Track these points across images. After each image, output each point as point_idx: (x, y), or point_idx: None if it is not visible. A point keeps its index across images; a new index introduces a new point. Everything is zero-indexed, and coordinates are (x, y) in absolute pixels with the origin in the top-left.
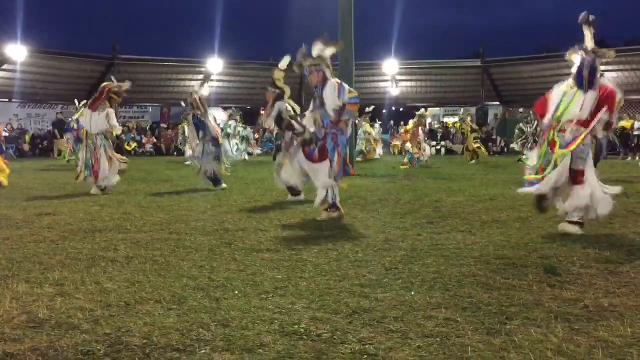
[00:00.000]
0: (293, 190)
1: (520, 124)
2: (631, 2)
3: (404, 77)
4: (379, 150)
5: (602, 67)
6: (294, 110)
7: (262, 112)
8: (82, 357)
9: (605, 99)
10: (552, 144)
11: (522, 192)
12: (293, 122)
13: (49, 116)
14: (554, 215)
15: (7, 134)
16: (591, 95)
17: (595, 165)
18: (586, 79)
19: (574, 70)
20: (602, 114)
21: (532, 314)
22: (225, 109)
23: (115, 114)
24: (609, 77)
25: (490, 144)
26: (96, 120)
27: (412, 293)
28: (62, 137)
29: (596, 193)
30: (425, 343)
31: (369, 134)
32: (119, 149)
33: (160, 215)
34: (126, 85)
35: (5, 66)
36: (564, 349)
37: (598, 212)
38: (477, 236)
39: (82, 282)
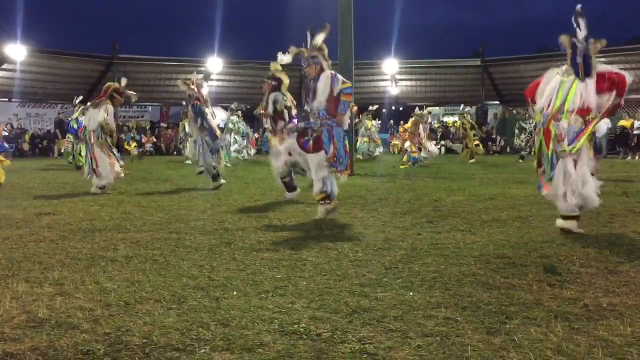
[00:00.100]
0: (288, 186)
1: (520, 122)
2: (631, 2)
3: (403, 77)
4: (379, 149)
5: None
6: (291, 102)
7: (261, 111)
8: (82, 356)
9: (614, 84)
10: (546, 134)
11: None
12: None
13: (49, 116)
14: (554, 215)
15: (6, 134)
16: (589, 83)
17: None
18: (582, 67)
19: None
20: (612, 99)
21: (532, 313)
22: (225, 108)
23: (115, 114)
24: None
25: (490, 143)
26: (94, 116)
27: (412, 292)
28: (64, 137)
29: (588, 183)
30: (425, 342)
31: (370, 130)
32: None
33: (160, 214)
34: (134, 97)
35: (5, 66)
36: (563, 348)
37: (586, 202)
38: (477, 235)
39: (81, 281)
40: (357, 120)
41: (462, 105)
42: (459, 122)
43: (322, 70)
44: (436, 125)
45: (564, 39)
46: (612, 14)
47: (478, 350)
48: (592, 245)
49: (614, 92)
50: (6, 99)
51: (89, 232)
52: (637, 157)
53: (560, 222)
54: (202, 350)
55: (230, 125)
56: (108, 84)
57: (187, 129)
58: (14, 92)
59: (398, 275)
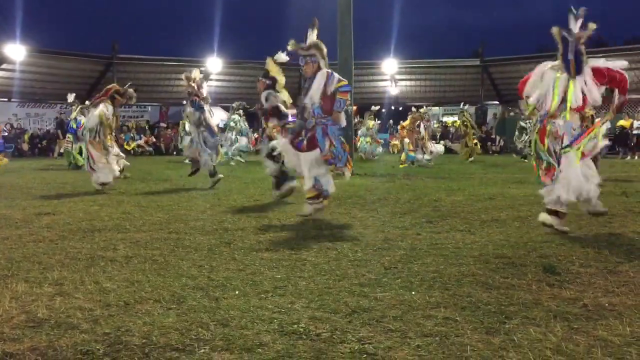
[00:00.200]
0: (278, 181)
1: (520, 122)
2: (631, 2)
3: (403, 77)
4: (379, 149)
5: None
6: (287, 100)
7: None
8: (81, 356)
9: (614, 81)
10: (542, 132)
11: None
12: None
13: (48, 116)
14: None
15: (6, 134)
16: (588, 79)
17: (595, 165)
18: (573, 64)
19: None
20: (617, 98)
21: (532, 313)
22: (225, 108)
23: (115, 114)
24: None
25: (489, 143)
26: (93, 115)
27: (412, 292)
28: (65, 137)
29: (582, 178)
30: (425, 342)
31: (371, 129)
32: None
33: (160, 214)
34: (133, 99)
35: (4, 66)
36: (563, 348)
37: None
38: (477, 235)
39: (81, 281)
40: (357, 120)
41: (462, 104)
42: (458, 120)
43: (319, 68)
44: (436, 125)
45: (555, 32)
46: (612, 14)
47: (477, 350)
48: (592, 245)
49: (617, 91)
50: (6, 99)
51: (89, 232)
52: (636, 157)
53: (543, 217)
54: (202, 350)
55: (232, 124)
56: (111, 85)
57: (187, 128)
58: (13, 92)
59: (397, 275)
